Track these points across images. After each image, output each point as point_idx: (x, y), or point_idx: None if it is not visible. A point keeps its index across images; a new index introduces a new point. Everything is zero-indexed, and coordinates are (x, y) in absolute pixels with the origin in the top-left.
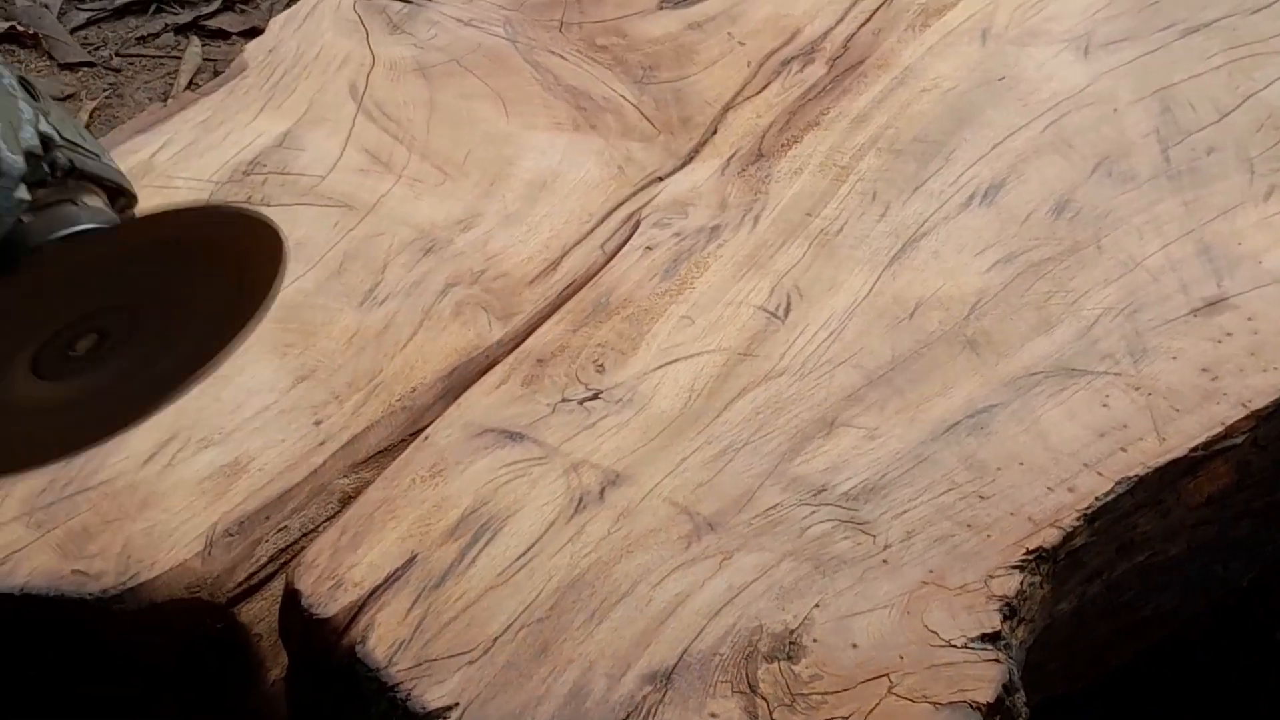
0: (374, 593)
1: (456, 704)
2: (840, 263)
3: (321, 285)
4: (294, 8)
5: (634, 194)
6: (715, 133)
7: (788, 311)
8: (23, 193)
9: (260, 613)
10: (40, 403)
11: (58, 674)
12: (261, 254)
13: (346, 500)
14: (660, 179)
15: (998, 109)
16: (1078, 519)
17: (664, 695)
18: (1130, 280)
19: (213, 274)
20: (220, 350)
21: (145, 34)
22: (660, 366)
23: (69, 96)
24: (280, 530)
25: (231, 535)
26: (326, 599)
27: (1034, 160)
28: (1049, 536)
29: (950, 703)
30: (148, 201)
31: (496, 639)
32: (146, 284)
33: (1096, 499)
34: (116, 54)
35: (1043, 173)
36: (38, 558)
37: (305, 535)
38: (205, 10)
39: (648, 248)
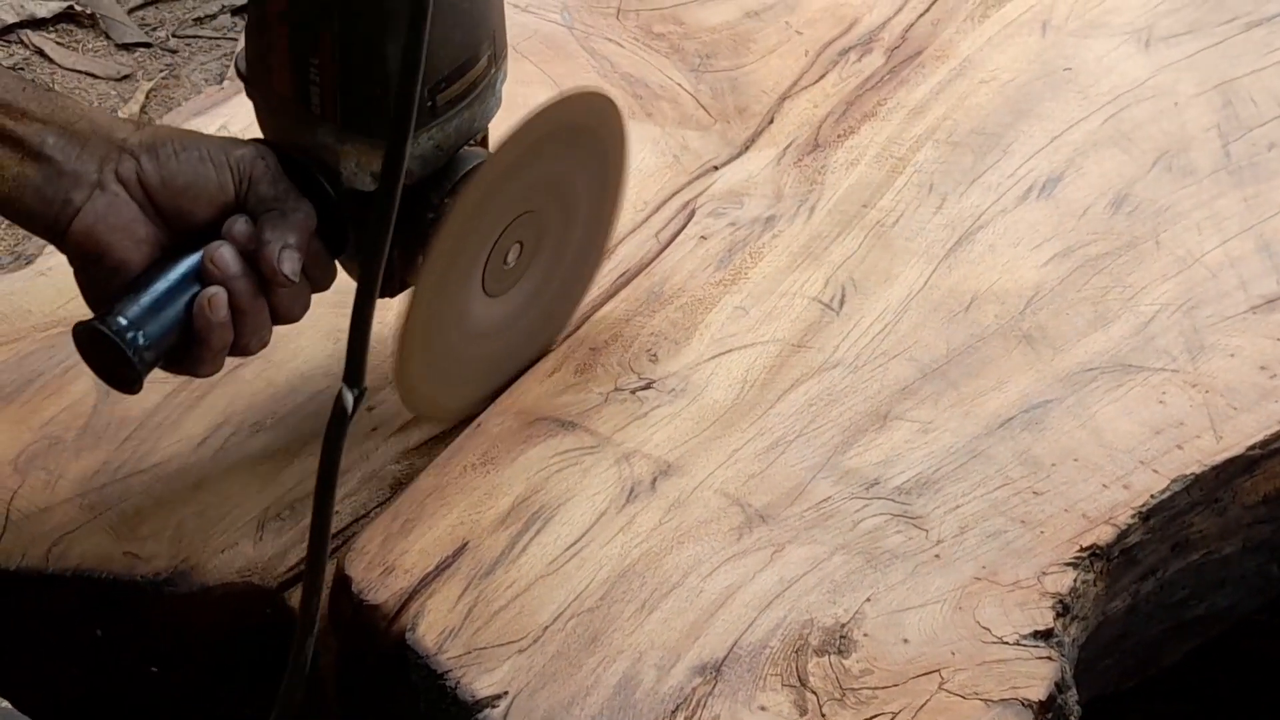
0: (424, 580)
1: (506, 693)
2: (896, 255)
3: None
4: None
5: (689, 183)
6: (771, 122)
7: (842, 303)
8: None
9: None
10: (495, 321)
11: (107, 658)
12: (606, 127)
13: (398, 486)
14: (716, 168)
15: (1057, 101)
16: (1132, 516)
17: (714, 687)
18: (1189, 276)
19: (581, 158)
20: (606, 234)
21: (202, 15)
22: (713, 357)
23: (125, 77)
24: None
25: (283, 520)
26: (377, 585)
27: (1093, 154)
28: (1103, 534)
29: (1002, 700)
30: None
31: (546, 628)
32: (537, 186)
33: (1152, 496)
34: (173, 35)
35: (1101, 166)
36: (90, 539)
37: (356, 521)
38: None
39: (702, 237)
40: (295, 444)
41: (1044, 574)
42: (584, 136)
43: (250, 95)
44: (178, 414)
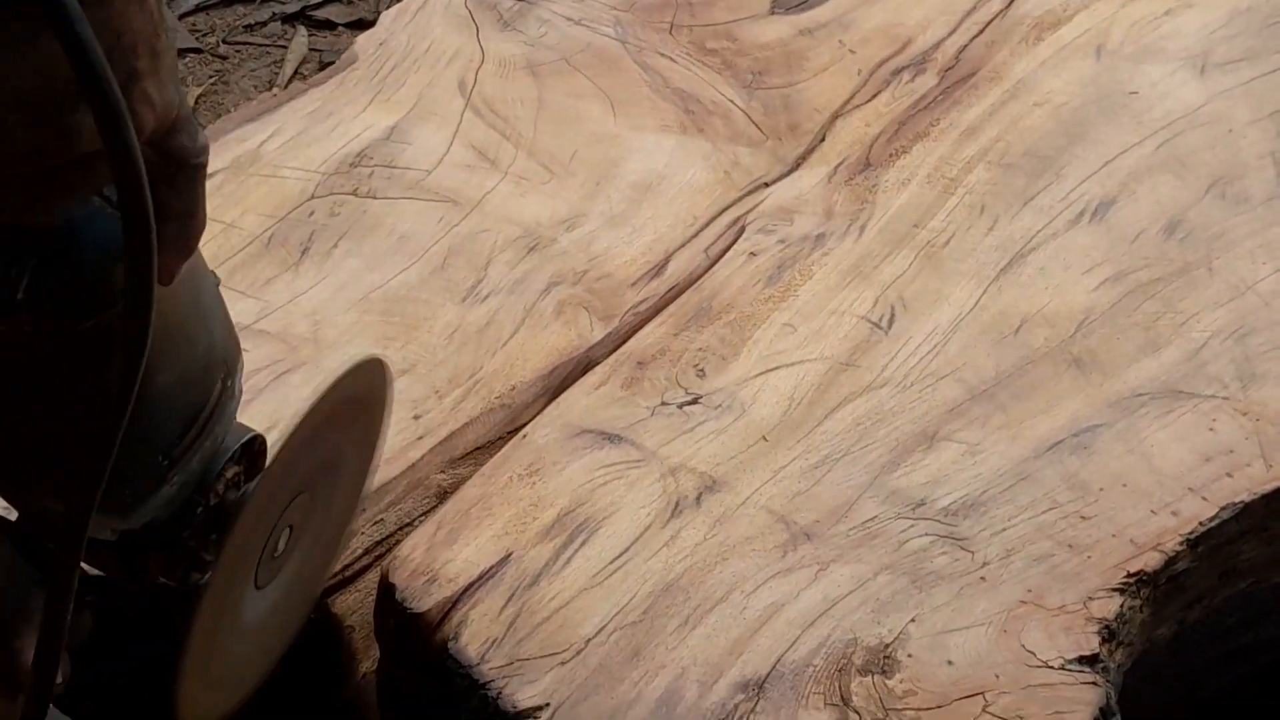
0: (468, 589)
1: (547, 704)
2: (946, 275)
3: (425, 280)
4: (405, 2)
5: (740, 199)
6: (823, 140)
7: (891, 322)
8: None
9: (354, 605)
10: (260, 615)
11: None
12: (375, 393)
13: (443, 496)
14: (766, 185)
15: (1111, 126)
16: (1180, 543)
17: (756, 704)
18: (1241, 304)
19: (351, 428)
20: (356, 503)
21: (252, 22)
22: (761, 373)
23: None
24: (376, 523)
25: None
26: (421, 594)
27: (1146, 179)
28: (1151, 560)
29: None
30: (255, 191)
31: (589, 641)
32: (315, 466)
33: (1200, 524)
34: (223, 41)
35: (1155, 192)
36: None
37: (401, 529)
38: (313, 0)
39: (752, 253)
40: None
41: (1090, 599)
42: (355, 407)
43: None
44: None
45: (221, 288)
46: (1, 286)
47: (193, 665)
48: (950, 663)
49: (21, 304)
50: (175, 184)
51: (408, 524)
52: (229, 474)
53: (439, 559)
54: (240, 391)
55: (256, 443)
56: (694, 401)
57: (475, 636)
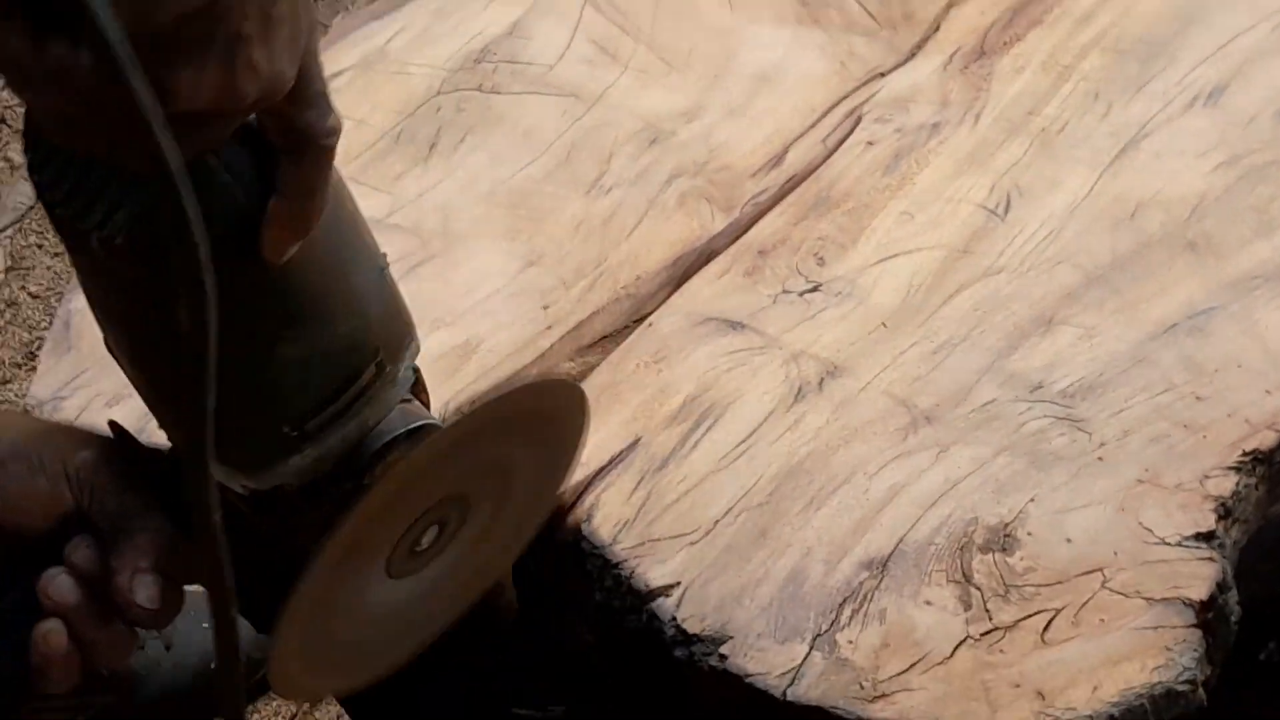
0: (599, 473)
1: (679, 583)
2: (1061, 162)
3: (550, 173)
4: None
5: (856, 89)
6: (938, 29)
7: (1007, 209)
8: None
9: None
10: (389, 604)
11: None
12: (568, 415)
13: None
14: (882, 75)
15: (1224, 10)
16: None
17: (880, 582)
18: None
19: (531, 444)
20: (537, 519)
21: None
22: (880, 261)
23: None
24: None
25: (462, 413)
26: None
27: (1260, 62)
28: (1266, 439)
29: (1164, 599)
30: (383, 88)
31: (717, 522)
32: (476, 469)
33: None
34: None
35: (1269, 75)
36: None
37: None
38: None
39: (869, 143)
40: (473, 340)
41: (1206, 477)
42: (536, 421)
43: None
44: None
45: (353, 183)
46: (101, 226)
47: (287, 640)
48: (1069, 540)
49: (120, 248)
50: (299, 162)
51: None
52: (390, 459)
53: None
54: (408, 380)
55: (425, 431)
56: (814, 289)
57: (607, 518)
